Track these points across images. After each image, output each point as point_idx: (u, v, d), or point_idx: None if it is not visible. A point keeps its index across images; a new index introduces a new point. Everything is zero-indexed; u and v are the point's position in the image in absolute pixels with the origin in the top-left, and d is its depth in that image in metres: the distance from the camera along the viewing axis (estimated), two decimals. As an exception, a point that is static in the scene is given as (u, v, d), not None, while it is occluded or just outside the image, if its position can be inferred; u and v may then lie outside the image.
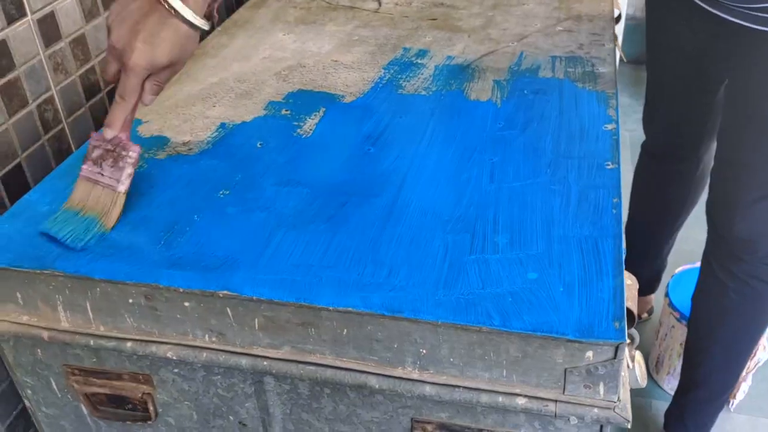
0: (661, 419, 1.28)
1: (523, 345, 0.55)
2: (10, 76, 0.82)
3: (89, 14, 0.94)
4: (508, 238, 0.64)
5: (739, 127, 0.95)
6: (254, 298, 0.59)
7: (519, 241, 0.64)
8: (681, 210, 1.33)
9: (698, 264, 1.33)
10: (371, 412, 0.63)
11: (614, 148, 0.76)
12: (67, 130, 0.93)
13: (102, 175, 0.69)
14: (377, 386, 0.60)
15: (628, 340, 0.70)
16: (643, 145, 1.33)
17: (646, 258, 1.44)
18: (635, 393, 1.43)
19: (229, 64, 0.99)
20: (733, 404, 1.34)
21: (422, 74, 0.94)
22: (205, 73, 0.97)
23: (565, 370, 0.55)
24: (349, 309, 0.57)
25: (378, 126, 0.83)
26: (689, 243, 1.53)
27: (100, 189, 0.69)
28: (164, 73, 0.65)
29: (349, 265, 0.62)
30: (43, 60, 0.87)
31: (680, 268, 1.36)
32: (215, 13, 0.72)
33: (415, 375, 0.59)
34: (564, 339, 0.54)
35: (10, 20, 0.81)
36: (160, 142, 0.82)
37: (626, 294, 0.63)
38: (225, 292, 0.60)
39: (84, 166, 0.70)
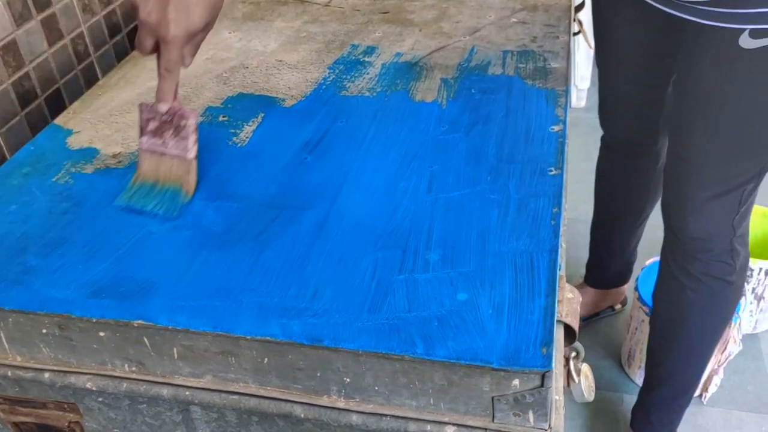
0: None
1: (448, 373, 0.53)
2: (48, 11, 0.94)
3: (20, 18, 0.90)
4: (440, 254, 0.61)
5: (687, 124, 0.92)
6: (170, 327, 0.56)
7: (451, 258, 0.61)
8: (644, 204, 1.31)
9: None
10: (301, 440, 0.60)
11: (559, 151, 0.73)
12: (95, 64, 1.06)
13: (165, 146, 0.69)
14: (303, 415, 0.57)
15: (573, 353, 0.68)
16: (602, 138, 1.30)
17: (613, 251, 1.41)
18: (606, 387, 1.42)
19: (170, 66, 0.95)
20: (705, 397, 1.33)
21: (368, 74, 0.91)
22: (143, 77, 0.93)
23: (493, 398, 0.53)
24: (268, 338, 0.55)
25: (317, 132, 0.79)
26: (662, 231, 1.51)
27: (168, 160, 0.69)
28: (200, 35, 0.65)
29: (272, 287, 0.59)
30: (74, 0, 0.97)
31: (649, 261, 1.34)
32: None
33: (341, 404, 0.57)
34: (489, 367, 0.51)
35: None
36: (89, 154, 0.78)
37: (566, 309, 0.60)
38: (140, 321, 0.57)
39: (143, 140, 0.70)
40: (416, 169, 0.72)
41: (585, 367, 0.69)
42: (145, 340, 0.58)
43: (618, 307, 1.54)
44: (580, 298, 0.66)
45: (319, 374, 0.56)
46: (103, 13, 1.07)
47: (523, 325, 0.54)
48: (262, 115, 0.83)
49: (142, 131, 0.70)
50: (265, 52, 0.98)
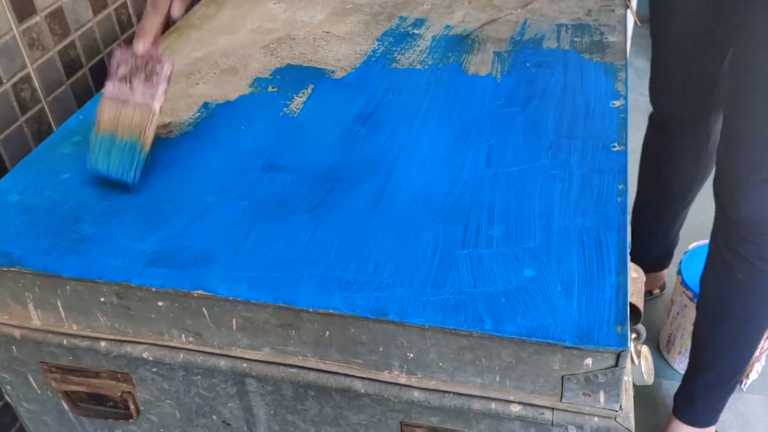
0: (671, 400, 1.24)
1: (517, 350, 0.51)
2: None
3: (65, -14, 0.89)
4: (503, 229, 0.60)
5: (743, 102, 0.89)
6: (230, 298, 0.55)
7: (515, 234, 0.59)
8: (691, 185, 1.27)
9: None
10: (358, 415, 0.60)
11: (621, 127, 0.71)
12: (47, 110, 0.89)
13: (132, 92, 0.65)
14: (362, 390, 0.56)
15: (633, 335, 0.66)
16: (651, 117, 1.26)
17: (656, 234, 1.38)
18: (644, 370, 1.40)
19: (216, 37, 0.94)
20: (745, 384, 1.30)
21: (418, 46, 0.88)
22: (189, 48, 0.92)
23: (563, 377, 0.51)
24: (331, 311, 0.54)
25: (369, 104, 0.78)
26: (705, 214, 1.47)
27: (131, 108, 0.65)
28: None
29: (332, 260, 0.58)
30: (17, 36, 0.82)
31: (694, 244, 1.31)
32: None
33: (402, 379, 0.56)
34: (560, 345, 0.50)
35: (-24, -5, 0.76)
36: (139, 124, 0.77)
37: (631, 288, 0.58)
38: (200, 291, 0.56)
39: (108, 85, 0.66)
40: (473, 143, 0.71)
41: (645, 349, 0.67)
42: (204, 310, 0.57)
43: (656, 291, 1.51)
44: (644, 278, 0.64)
45: (381, 349, 0.55)
46: (146, -17, 1.05)
47: (595, 303, 0.52)
48: (312, 86, 0.82)
49: (110, 76, 0.66)
50: (312, 23, 0.96)
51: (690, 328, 1.26)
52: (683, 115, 1.19)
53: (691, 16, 1.02)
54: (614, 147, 0.68)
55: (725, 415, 1.27)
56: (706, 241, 1.29)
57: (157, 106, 0.65)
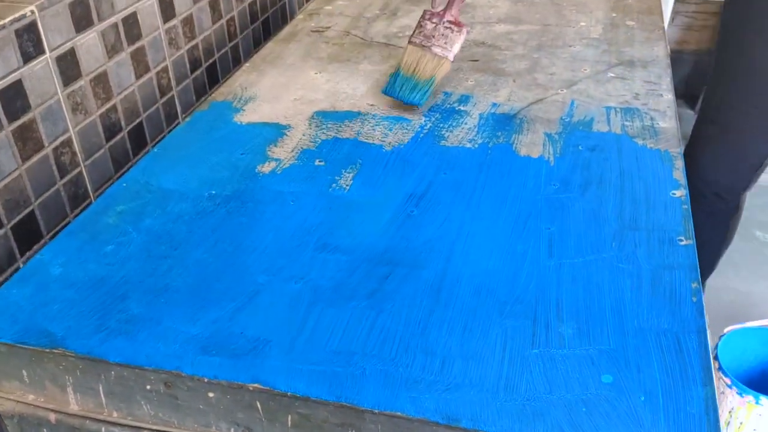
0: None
1: (602, 467, 0.48)
2: (24, 119, 0.76)
3: (111, 50, 0.88)
4: (574, 327, 0.57)
5: None
6: (288, 393, 0.52)
7: (587, 333, 0.56)
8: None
9: (750, 324, 1.25)
10: None
11: (686, 219, 0.69)
12: (85, 174, 0.87)
13: (433, 45, 0.86)
14: (426, 499, 0.52)
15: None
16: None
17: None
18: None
19: (259, 105, 0.93)
20: None
21: (466, 124, 0.87)
22: (233, 115, 0.91)
23: (650, 499, 0.48)
24: (398, 413, 0.50)
25: (421, 183, 0.76)
26: (748, 297, 1.45)
27: (429, 56, 0.86)
28: None
29: (396, 354, 0.55)
30: (61, 100, 0.81)
31: (730, 328, 1.28)
32: None
33: (471, 490, 0.52)
34: (651, 465, 0.46)
35: (27, 59, 0.75)
36: (184, 195, 0.75)
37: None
38: (255, 385, 0.53)
39: (415, 37, 0.87)
40: (533, 229, 0.68)
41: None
42: (258, 404, 0.54)
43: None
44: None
45: (450, 456, 0.51)
46: (187, 47, 1.05)
47: (684, 418, 0.49)
48: (360, 162, 0.80)
49: (419, 29, 0.87)
50: (355, 95, 0.95)
51: (726, 416, 1.21)
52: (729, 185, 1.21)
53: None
54: (681, 241, 0.66)
55: None
56: (743, 325, 1.26)
57: (451, 57, 0.86)
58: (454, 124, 0.87)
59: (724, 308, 1.43)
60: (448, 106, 0.92)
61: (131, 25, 0.91)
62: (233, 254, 0.66)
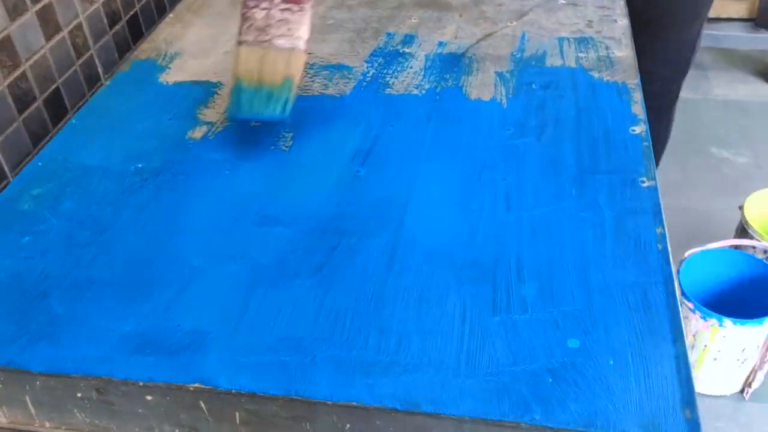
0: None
1: (573, 441, 0.45)
2: (44, 1, 0.81)
3: (14, 11, 0.79)
4: (536, 288, 0.53)
5: None
6: (232, 391, 0.48)
7: (550, 293, 0.53)
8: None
9: (710, 246, 1.24)
10: (383, 507, 0.53)
11: (647, 157, 0.65)
12: (95, 57, 0.92)
13: (272, 38, 0.65)
14: (391, 485, 0.49)
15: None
16: None
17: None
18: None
19: (185, 61, 0.85)
20: (748, 393, 1.27)
21: (411, 67, 0.81)
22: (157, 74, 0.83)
23: (624, 469, 0.45)
24: (353, 403, 0.46)
25: (366, 139, 0.70)
26: (707, 216, 1.44)
27: (273, 53, 0.65)
28: None
29: (347, 335, 0.51)
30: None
31: (690, 252, 1.27)
32: None
33: (437, 473, 0.49)
34: (624, 436, 0.43)
35: None
36: (112, 172, 0.68)
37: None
38: (196, 384, 0.48)
39: (244, 35, 0.66)
40: (488, 181, 0.64)
41: None
42: (202, 404, 0.49)
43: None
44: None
45: (412, 441, 0.48)
46: (102, 0, 0.96)
47: (654, 380, 0.46)
48: (299, 118, 0.74)
49: (246, 26, 0.65)
50: (291, 43, 0.87)
51: (690, 339, 1.22)
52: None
53: None
54: (643, 182, 0.62)
55: (727, 424, 1.24)
56: (704, 248, 1.25)
57: (302, 44, 0.65)
58: (398, 68, 0.81)
59: (683, 229, 1.42)
60: (392, 48, 0.85)
61: (31, -19, 0.81)
62: (164, 236, 0.60)
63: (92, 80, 0.95)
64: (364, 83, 0.79)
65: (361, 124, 0.72)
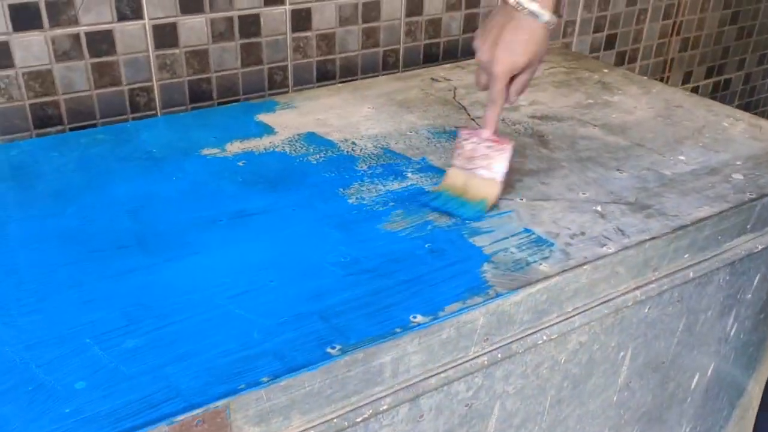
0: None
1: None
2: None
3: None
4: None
5: None
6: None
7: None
8: None
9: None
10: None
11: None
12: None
13: (476, 168, 0.80)
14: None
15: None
16: None
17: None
18: None
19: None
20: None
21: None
22: None
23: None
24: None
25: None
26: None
27: (477, 180, 0.80)
28: (525, 74, 0.77)
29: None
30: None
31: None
32: (561, 9, 0.85)
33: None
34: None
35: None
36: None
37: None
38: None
39: (456, 159, 0.82)
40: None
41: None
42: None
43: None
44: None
45: None
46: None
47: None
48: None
49: (459, 153, 0.81)
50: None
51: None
52: None
53: None
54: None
55: None
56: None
57: (500, 179, 0.79)
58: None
59: None
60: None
61: None
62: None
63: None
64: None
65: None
